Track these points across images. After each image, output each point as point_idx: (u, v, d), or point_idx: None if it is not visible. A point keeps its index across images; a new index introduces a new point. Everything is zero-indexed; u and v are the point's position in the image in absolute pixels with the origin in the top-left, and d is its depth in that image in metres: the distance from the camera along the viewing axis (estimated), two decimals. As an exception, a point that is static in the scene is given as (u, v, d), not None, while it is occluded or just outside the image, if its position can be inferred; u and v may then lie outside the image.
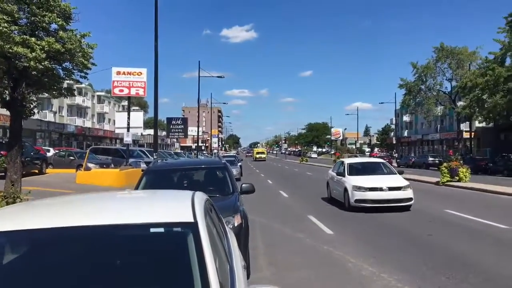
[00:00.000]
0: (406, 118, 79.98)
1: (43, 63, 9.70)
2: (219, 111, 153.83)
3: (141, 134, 67.88)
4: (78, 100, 59.67)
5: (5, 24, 9.38)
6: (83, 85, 52.08)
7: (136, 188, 7.26)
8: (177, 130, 44.78)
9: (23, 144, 12.62)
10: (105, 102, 73.76)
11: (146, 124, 63.41)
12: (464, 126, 52.61)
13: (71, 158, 28.16)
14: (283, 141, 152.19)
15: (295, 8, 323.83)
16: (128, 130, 25.66)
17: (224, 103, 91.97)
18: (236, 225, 6.09)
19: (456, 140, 54.48)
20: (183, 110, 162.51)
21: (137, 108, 70.40)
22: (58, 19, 10.29)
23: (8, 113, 11.17)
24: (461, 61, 49.12)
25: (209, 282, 2.13)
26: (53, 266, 2.32)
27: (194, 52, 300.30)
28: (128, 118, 25.75)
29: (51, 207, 2.99)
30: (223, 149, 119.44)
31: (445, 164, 23.38)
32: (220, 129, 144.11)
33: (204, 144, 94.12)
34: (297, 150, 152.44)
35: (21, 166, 10.83)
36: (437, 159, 48.92)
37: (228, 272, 2.75)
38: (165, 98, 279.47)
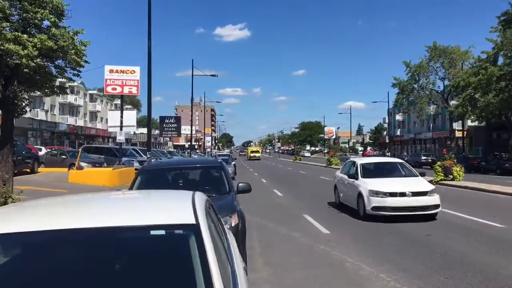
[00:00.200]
0: (398, 117, 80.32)
1: (35, 61, 9.53)
2: (212, 110, 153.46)
3: (134, 133, 67.53)
4: (70, 98, 59.23)
5: (-4, 21, 9.21)
6: (75, 84, 51.72)
7: (131, 188, 7.13)
8: (170, 129, 44.62)
9: (14, 143, 12.43)
10: (97, 101, 73.30)
11: (139, 123, 63.04)
12: (456, 125, 52.87)
13: (63, 157, 27.89)
14: (277, 140, 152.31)
15: (288, 7, 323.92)
16: (121, 129, 25.47)
17: (218, 102, 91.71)
18: (233, 225, 6.00)
19: (448, 139, 54.72)
20: (176, 109, 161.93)
21: (129, 106, 69.97)
22: (51, 16, 10.11)
23: (-1, 111, 11.00)
24: (454, 60, 49.31)
25: (214, 286, 2.04)
26: (48, 271, 2.21)
27: (187, 50, 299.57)
28: (121, 116, 25.56)
29: (46, 208, 2.87)
30: (216, 148, 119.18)
31: (439, 163, 23.43)
32: (213, 128, 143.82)
33: (197, 143, 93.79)
34: (290, 149, 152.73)
35: (13, 165, 10.65)
36: (429, 158, 49.12)
37: (230, 275, 2.65)
38: (158, 97, 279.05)
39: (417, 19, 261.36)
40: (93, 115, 72.00)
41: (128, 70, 26.82)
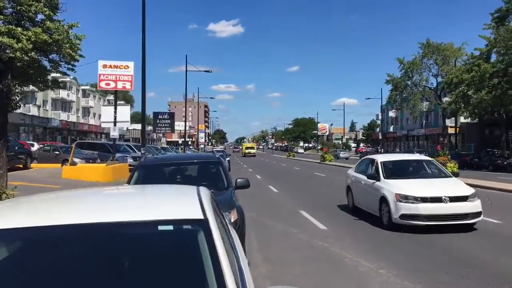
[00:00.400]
0: (391, 113, 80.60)
1: (29, 54, 9.38)
2: (206, 106, 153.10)
3: (127, 129, 67.18)
4: (63, 94, 58.72)
5: (-11, 14, 9.04)
6: (67, 79, 51.24)
7: (128, 183, 7.06)
8: (164, 125, 44.50)
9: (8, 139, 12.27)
10: (90, 96, 72.79)
11: (132, 119, 62.60)
12: (449, 122, 53.14)
13: (56, 152, 27.66)
14: (270, 136, 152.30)
15: (282, 3, 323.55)
16: (114, 125, 25.32)
17: (212, 98, 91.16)
18: (232, 221, 5.95)
19: (441, 135, 55.00)
20: (169, 105, 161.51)
21: (122, 102, 69.58)
22: (45, 9, 9.95)
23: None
24: (447, 57, 49.54)
25: (226, 283, 1.98)
26: (54, 267, 2.14)
27: (180, 46, 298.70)
28: (115, 112, 25.40)
29: (48, 203, 2.79)
30: (209, 144, 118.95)
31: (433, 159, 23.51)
32: (206, 124, 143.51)
33: (190, 139, 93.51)
34: (283, 145, 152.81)
35: (7, 160, 10.51)
36: (422, 154, 49.37)
37: (237, 271, 2.60)
38: (151, 93, 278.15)
39: (411, 16, 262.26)
40: (86, 111, 71.51)
41: (122, 65, 26.69)
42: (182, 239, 2.32)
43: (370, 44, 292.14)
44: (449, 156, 23.79)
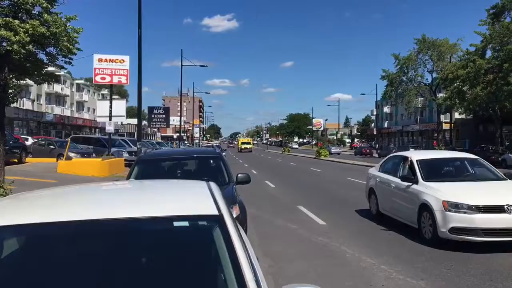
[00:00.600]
0: (386, 109, 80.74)
1: (27, 47, 9.25)
2: (200, 101, 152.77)
3: (121, 123, 66.95)
4: (57, 88, 58.31)
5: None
6: (62, 73, 50.84)
7: (128, 177, 7.00)
8: (158, 120, 44.22)
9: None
10: (84, 91, 72.34)
11: (126, 113, 62.38)
12: (443, 118, 53.31)
13: (51, 147, 27.46)
14: (265, 132, 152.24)
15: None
16: (110, 119, 25.14)
17: (207, 93, 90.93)
18: (234, 216, 5.89)
19: (435, 131, 55.19)
20: (164, 100, 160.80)
21: (117, 97, 69.25)
22: (43, 1, 9.80)
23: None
24: (442, 53, 49.66)
25: (245, 281, 1.94)
26: (69, 264, 2.09)
27: (174, 41, 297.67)
28: (110, 106, 25.22)
29: (59, 197, 2.73)
30: (204, 139, 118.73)
31: (429, 154, 23.56)
32: (201, 119, 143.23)
33: (185, 134, 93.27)
34: (278, 140, 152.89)
35: (4, 154, 10.39)
36: (417, 150, 49.62)
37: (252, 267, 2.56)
38: (145, 87, 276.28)
39: (406, 12, 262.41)
40: (80, 105, 71.09)
41: (118, 59, 26.47)
42: (198, 236, 2.28)
43: (365, 40, 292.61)
44: (445, 152, 23.83)
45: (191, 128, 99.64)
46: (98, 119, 35.45)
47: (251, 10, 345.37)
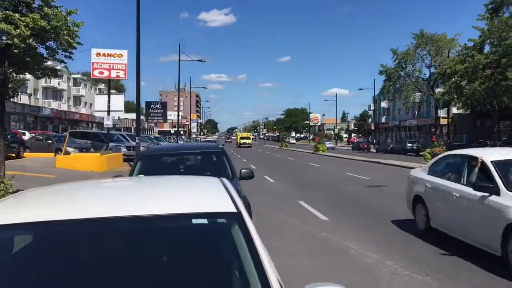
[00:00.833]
0: (384, 104, 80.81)
1: (27, 41, 9.15)
2: (197, 96, 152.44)
3: (118, 118, 66.77)
4: (54, 82, 58.01)
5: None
6: (58, 67, 50.59)
7: (131, 173, 6.95)
8: (156, 115, 44.06)
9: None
10: (81, 85, 72.07)
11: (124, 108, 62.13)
12: (441, 113, 53.39)
13: (49, 141, 27.38)
14: (262, 127, 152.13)
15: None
16: (108, 114, 25.05)
17: (204, 88, 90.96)
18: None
19: (433, 126, 55.28)
20: (161, 94, 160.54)
21: (114, 91, 68.99)
22: (43, -6, 9.70)
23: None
24: (440, 48, 49.65)
25: (269, 279, 1.91)
26: (88, 262, 2.05)
27: (171, 35, 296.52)
28: (108, 101, 25.12)
29: (70, 194, 2.69)
30: (201, 134, 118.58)
31: (428, 149, 23.66)
32: (198, 113, 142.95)
33: (182, 129, 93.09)
34: (275, 135, 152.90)
35: (5, 149, 10.30)
36: (415, 145, 49.69)
37: None
38: (142, 82, 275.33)
39: (404, 6, 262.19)
40: (77, 100, 70.82)
41: (116, 54, 26.32)
42: (217, 233, 2.25)
43: (362, 34, 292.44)
44: (444, 147, 23.88)
45: (188, 123, 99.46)
46: (96, 114, 35.29)
47: (248, 5, 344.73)
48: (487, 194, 6.47)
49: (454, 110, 50.68)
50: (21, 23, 8.96)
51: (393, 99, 63.24)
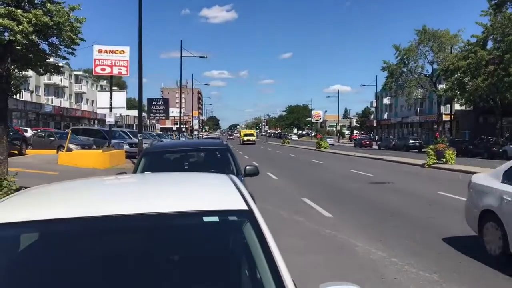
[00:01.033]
0: (386, 100, 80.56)
1: (30, 37, 9.09)
2: (199, 93, 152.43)
3: (120, 115, 66.83)
4: (56, 79, 58.07)
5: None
6: (61, 64, 50.56)
7: (135, 170, 6.91)
8: (158, 111, 44.08)
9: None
10: (82, 82, 72.09)
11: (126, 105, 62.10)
12: (443, 109, 53.22)
13: (51, 138, 27.35)
14: (264, 123, 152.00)
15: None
16: (110, 111, 25.02)
17: (206, 84, 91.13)
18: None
19: (435, 122, 55.13)
20: (162, 91, 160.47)
21: (115, 88, 68.97)
22: (46, -10, 9.62)
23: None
24: (443, 44, 49.43)
25: (283, 278, 1.86)
26: (97, 260, 2.01)
27: (173, 32, 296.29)
28: (110, 98, 25.10)
29: (78, 192, 2.64)
30: (203, 130, 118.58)
31: (431, 146, 23.53)
32: (200, 110, 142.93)
33: (184, 126, 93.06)
34: (277, 132, 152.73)
35: (8, 146, 10.25)
36: (417, 141, 49.61)
37: None
38: (144, 79, 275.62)
39: (406, 2, 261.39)
40: (79, 97, 70.85)
41: (118, 50, 26.28)
42: (229, 231, 2.20)
43: (364, 31, 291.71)
44: (447, 144, 23.79)
45: (190, 120, 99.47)
46: (98, 111, 35.34)
47: (249, 1, 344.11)
48: None
49: (457, 106, 50.51)
50: (24, 19, 8.90)
51: (395, 95, 63.02)
